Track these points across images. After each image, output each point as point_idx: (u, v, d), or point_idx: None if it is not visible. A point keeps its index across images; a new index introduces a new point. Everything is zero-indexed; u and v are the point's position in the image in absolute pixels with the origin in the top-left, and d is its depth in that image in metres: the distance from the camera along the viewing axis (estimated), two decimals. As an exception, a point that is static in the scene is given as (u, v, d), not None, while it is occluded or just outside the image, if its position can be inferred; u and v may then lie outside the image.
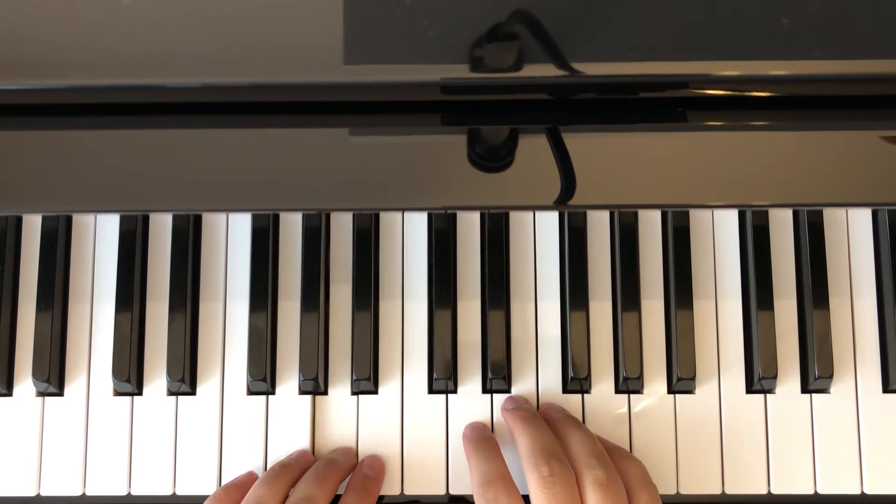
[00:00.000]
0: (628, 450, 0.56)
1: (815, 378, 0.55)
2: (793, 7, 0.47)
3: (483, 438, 0.54)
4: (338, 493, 0.53)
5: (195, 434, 0.56)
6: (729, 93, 0.50)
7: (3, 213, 0.57)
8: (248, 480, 0.54)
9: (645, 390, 0.56)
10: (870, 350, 0.57)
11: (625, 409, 0.56)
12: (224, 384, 0.57)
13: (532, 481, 0.48)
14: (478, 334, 0.57)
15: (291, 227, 0.58)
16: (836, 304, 0.57)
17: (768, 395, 0.56)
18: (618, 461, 0.52)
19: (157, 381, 0.57)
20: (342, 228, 0.58)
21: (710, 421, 0.56)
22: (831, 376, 0.55)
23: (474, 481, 0.51)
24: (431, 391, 0.57)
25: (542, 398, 0.56)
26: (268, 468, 0.55)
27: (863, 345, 0.57)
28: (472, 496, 0.52)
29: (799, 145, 0.50)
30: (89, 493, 0.56)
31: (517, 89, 0.49)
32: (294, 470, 0.53)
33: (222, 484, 0.55)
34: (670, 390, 0.56)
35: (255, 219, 0.57)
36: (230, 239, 0.58)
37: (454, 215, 0.58)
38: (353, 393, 0.57)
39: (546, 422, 0.54)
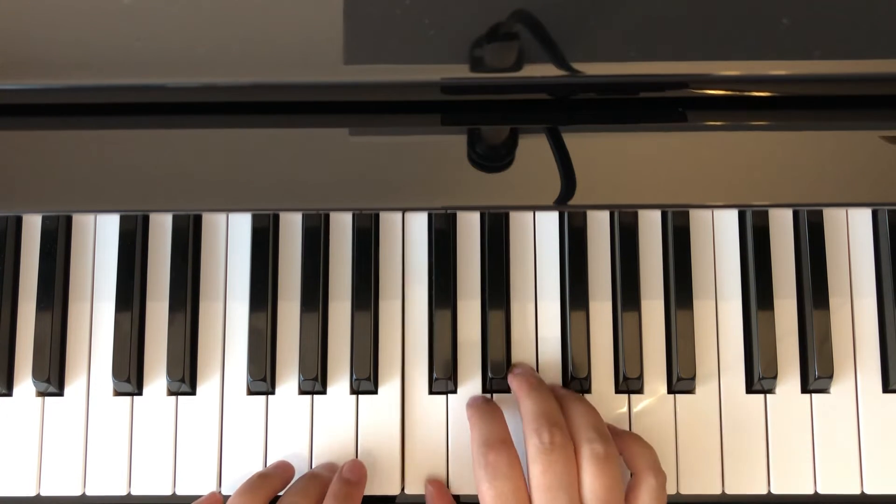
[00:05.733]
0: (628, 450, 0.56)
1: (815, 378, 0.55)
2: (793, 7, 0.47)
3: (486, 402, 0.54)
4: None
5: (195, 434, 0.56)
6: (729, 93, 0.50)
7: (3, 213, 0.56)
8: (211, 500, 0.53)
9: (645, 390, 0.56)
10: (870, 350, 0.57)
11: (625, 409, 0.56)
12: (224, 384, 0.57)
13: (531, 446, 0.49)
14: (478, 334, 0.57)
15: (291, 227, 0.58)
16: (836, 304, 0.57)
17: (768, 395, 0.56)
18: (629, 444, 0.52)
19: (157, 381, 0.57)
20: (342, 228, 0.58)
21: (710, 421, 0.56)
22: (831, 376, 0.55)
23: (475, 442, 0.51)
24: (432, 391, 0.57)
25: (542, 398, 0.56)
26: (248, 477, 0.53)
27: (863, 345, 0.57)
28: (473, 496, 0.52)
29: (799, 145, 0.50)
30: (89, 493, 0.56)
31: (517, 89, 0.49)
32: (274, 480, 0.52)
33: (219, 486, 0.55)
34: (670, 390, 0.56)
35: (255, 219, 0.57)
36: (230, 239, 0.58)
37: (454, 215, 0.58)
38: (353, 393, 0.57)
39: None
